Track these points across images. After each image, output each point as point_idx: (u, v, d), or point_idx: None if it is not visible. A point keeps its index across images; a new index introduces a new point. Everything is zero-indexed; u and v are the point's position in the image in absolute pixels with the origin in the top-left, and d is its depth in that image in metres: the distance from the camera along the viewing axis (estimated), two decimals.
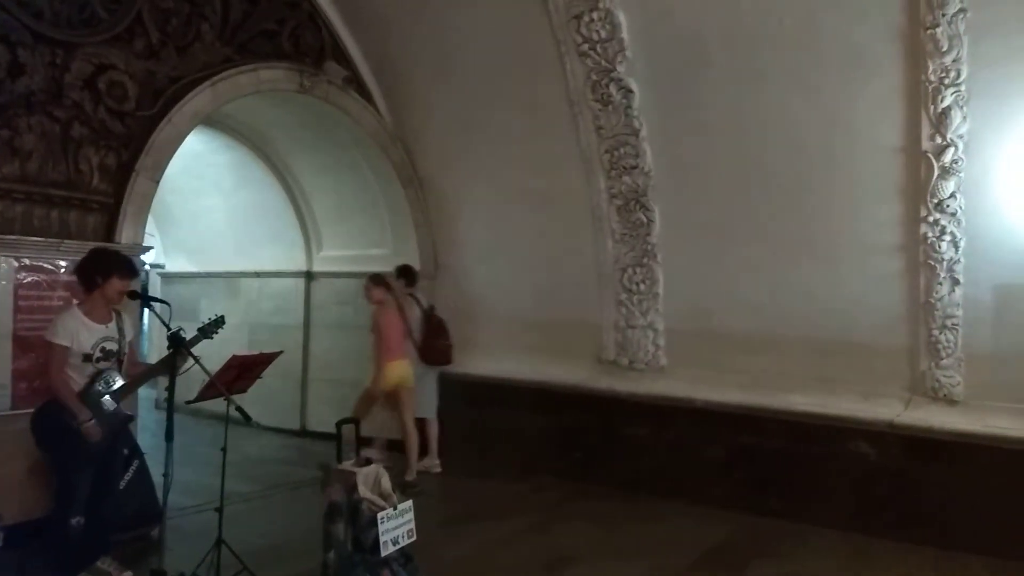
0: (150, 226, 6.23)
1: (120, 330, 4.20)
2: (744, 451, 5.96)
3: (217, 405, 4.05)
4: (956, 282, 5.22)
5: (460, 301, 7.88)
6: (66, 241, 5.09)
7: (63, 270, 5.04)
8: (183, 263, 10.19)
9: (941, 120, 5.03)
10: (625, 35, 6.00)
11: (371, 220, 8.35)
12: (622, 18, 5.96)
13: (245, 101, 6.61)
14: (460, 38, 6.89)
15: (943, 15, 4.80)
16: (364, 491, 4.01)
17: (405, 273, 7.18)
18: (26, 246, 4.91)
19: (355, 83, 7.44)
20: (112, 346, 4.13)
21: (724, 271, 6.21)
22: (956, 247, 5.18)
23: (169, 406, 3.82)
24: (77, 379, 4.00)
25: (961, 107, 4.97)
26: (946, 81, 4.94)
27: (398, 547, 3.94)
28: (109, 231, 5.39)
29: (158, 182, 5.76)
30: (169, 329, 3.89)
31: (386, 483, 4.16)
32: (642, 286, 6.64)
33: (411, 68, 7.42)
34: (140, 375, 4.29)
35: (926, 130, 5.11)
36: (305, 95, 6.93)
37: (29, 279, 4.93)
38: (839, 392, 5.65)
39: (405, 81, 7.56)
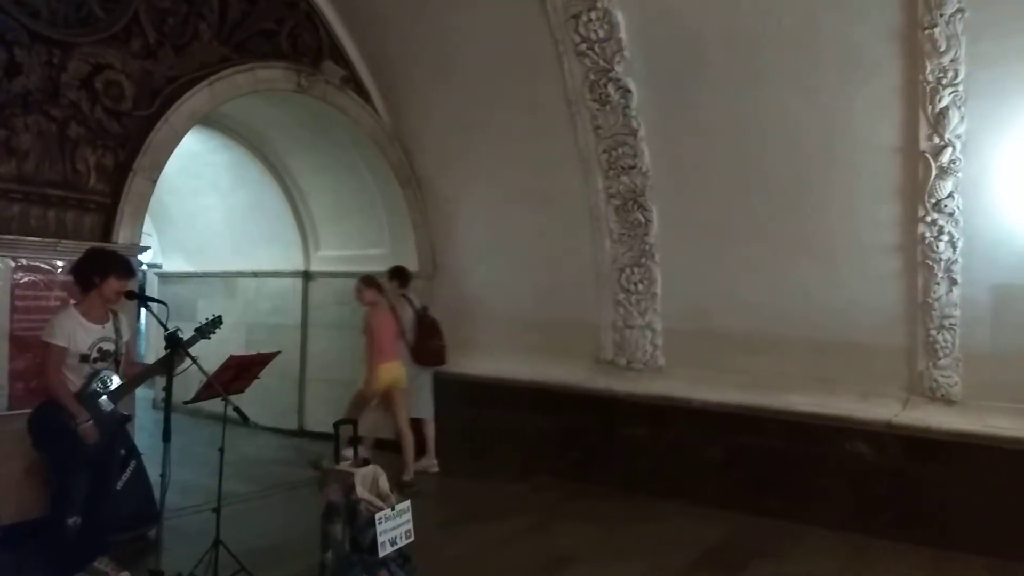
0: (147, 226, 6.22)
1: (117, 330, 4.20)
2: (743, 451, 5.97)
3: (215, 405, 4.04)
4: (954, 282, 5.22)
5: (458, 301, 7.88)
6: (63, 241, 5.08)
7: (60, 270, 5.03)
8: (180, 263, 10.18)
9: (939, 120, 5.03)
10: (623, 35, 6.00)
11: (369, 220, 8.34)
12: (620, 18, 5.96)
13: (243, 101, 6.60)
14: (458, 38, 6.89)
15: (941, 15, 4.81)
16: (362, 491, 4.00)
17: (398, 274, 7.17)
18: (23, 246, 4.90)
19: (353, 83, 7.43)
20: (109, 346, 4.12)
21: (722, 271, 6.21)
22: (954, 247, 5.19)
23: (166, 406, 3.81)
24: (74, 379, 3.99)
25: (959, 107, 4.97)
26: (944, 81, 4.95)
27: (396, 547, 3.94)
28: (106, 231, 5.38)
29: (155, 182, 5.75)
30: (166, 329, 3.88)
31: (384, 483, 4.16)
32: (640, 286, 6.64)
33: (409, 68, 7.42)
34: (137, 375, 4.28)
35: (924, 130, 5.11)
36: (303, 95, 6.92)
37: (26, 279, 4.92)
38: (837, 392, 5.65)
39: (403, 81, 7.56)
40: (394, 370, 6.52)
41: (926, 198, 5.19)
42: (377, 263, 7.53)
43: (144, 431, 6.27)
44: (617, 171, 6.47)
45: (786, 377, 5.89)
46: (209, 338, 4.12)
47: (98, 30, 5.35)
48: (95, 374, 4.03)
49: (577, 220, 6.85)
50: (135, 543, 4.76)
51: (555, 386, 6.99)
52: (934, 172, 5.13)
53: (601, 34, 6.04)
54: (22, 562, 4.22)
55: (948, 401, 5.30)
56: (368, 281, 6.63)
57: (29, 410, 4.14)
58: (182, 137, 5.99)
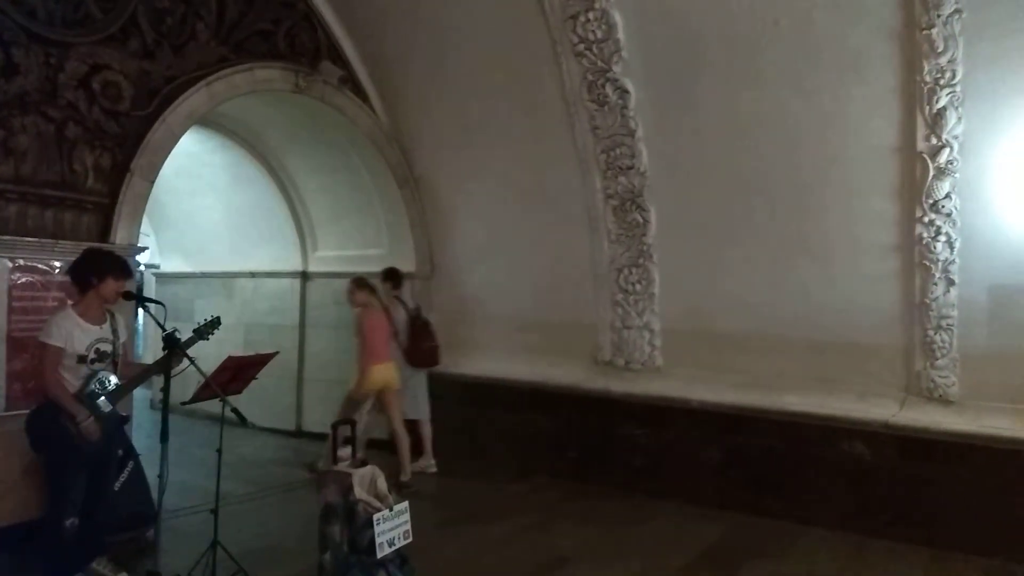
0: (145, 226, 6.21)
1: (114, 331, 4.19)
2: (741, 451, 5.97)
3: (213, 406, 4.03)
4: (951, 282, 5.23)
5: (456, 301, 7.89)
6: (61, 241, 5.07)
7: (58, 271, 5.02)
8: (178, 263, 10.17)
9: (936, 121, 5.04)
10: (621, 35, 6.00)
11: (367, 220, 8.34)
12: (618, 18, 5.96)
13: (240, 101, 6.59)
14: (456, 38, 6.89)
15: (939, 16, 4.81)
16: (360, 492, 4.01)
17: (391, 276, 7.18)
18: (20, 246, 4.89)
19: (351, 83, 7.43)
20: (107, 347, 4.12)
21: (720, 271, 6.22)
22: (951, 247, 5.19)
23: (164, 407, 3.81)
24: (71, 380, 3.99)
25: (956, 108, 4.97)
26: (941, 82, 4.95)
27: (394, 548, 3.94)
28: (104, 231, 5.37)
29: (153, 182, 5.74)
30: (164, 330, 3.87)
31: (382, 484, 4.16)
32: (638, 286, 6.64)
33: (407, 68, 7.42)
34: (136, 376, 4.27)
35: (921, 131, 5.11)
36: (301, 95, 6.92)
37: (23, 280, 4.91)
38: (835, 392, 5.66)
39: (401, 81, 7.56)
40: (387, 371, 6.52)
41: (924, 199, 5.20)
42: (375, 263, 7.53)
43: (142, 432, 6.28)
44: (615, 171, 6.48)
45: (784, 377, 5.90)
46: (207, 339, 4.12)
47: (96, 30, 5.34)
48: (93, 375, 4.02)
49: (575, 220, 6.85)
50: (133, 544, 4.76)
51: (553, 386, 6.99)
52: (932, 173, 5.13)
53: (599, 34, 6.04)
54: (20, 563, 4.21)
55: (945, 401, 5.31)
56: (359, 283, 6.63)
57: (27, 411, 4.13)
58: (180, 137, 5.98)
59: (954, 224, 5.16)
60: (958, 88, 4.93)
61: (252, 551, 4.45)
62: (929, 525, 5.11)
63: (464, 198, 7.80)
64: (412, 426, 6.90)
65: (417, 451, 6.95)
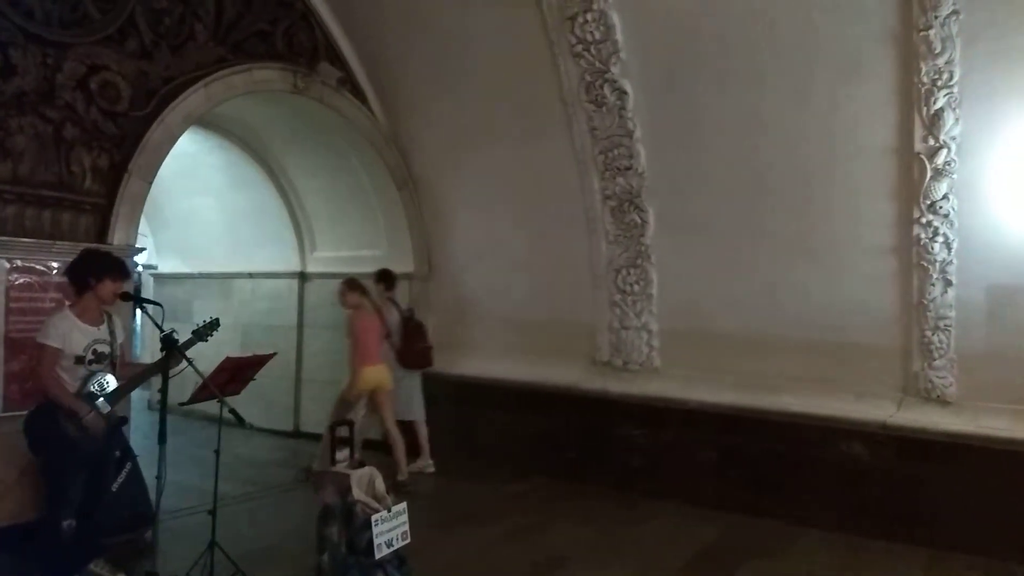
0: (143, 227, 6.22)
1: (111, 332, 4.18)
2: (738, 451, 5.98)
3: (210, 407, 4.04)
4: (949, 283, 5.23)
5: (454, 302, 7.89)
6: (58, 242, 5.06)
7: (55, 271, 5.01)
8: (176, 264, 10.16)
9: (934, 122, 5.04)
10: (619, 36, 6.01)
11: (365, 221, 8.34)
12: (616, 19, 5.96)
13: (239, 102, 6.59)
14: (454, 39, 6.88)
15: (936, 17, 4.82)
16: (358, 493, 4.01)
17: (384, 277, 7.18)
18: (18, 247, 4.89)
19: (349, 84, 7.43)
20: (104, 348, 4.11)
21: (718, 272, 6.22)
22: (949, 248, 5.20)
23: (162, 408, 3.80)
24: (69, 381, 3.98)
25: (954, 109, 4.98)
26: (939, 83, 4.96)
27: (392, 549, 3.94)
28: (102, 232, 5.37)
29: (151, 183, 5.74)
30: (162, 331, 3.87)
31: (380, 485, 4.16)
32: (636, 287, 6.64)
33: (405, 69, 7.42)
34: (134, 377, 4.26)
35: (919, 132, 5.12)
36: (299, 96, 6.92)
37: (21, 280, 4.91)
38: (832, 393, 5.66)
39: (399, 82, 7.56)
40: (379, 373, 6.52)
41: (921, 199, 5.20)
42: (373, 264, 7.52)
43: (139, 433, 6.26)
44: (613, 172, 6.48)
45: (781, 378, 5.90)
46: (206, 341, 4.12)
47: (93, 31, 5.34)
48: (91, 376, 4.02)
49: (573, 221, 6.85)
50: (131, 545, 4.74)
51: (551, 387, 6.99)
52: (929, 173, 5.14)
53: (597, 35, 6.04)
54: (18, 565, 4.21)
55: (943, 402, 5.31)
56: (351, 284, 6.62)
57: (25, 412, 4.13)
58: (178, 138, 5.98)
59: (951, 225, 5.17)
60: (955, 89, 4.94)
61: (250, 552, 4.45)
62: (927, 525, 5.12)
63: (462, 199, 7.80)
64: (407, 427, 6.90)
65: (414, 452, 6.95)
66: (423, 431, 7.12)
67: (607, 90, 6.20)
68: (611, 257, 6.73)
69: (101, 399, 4.00)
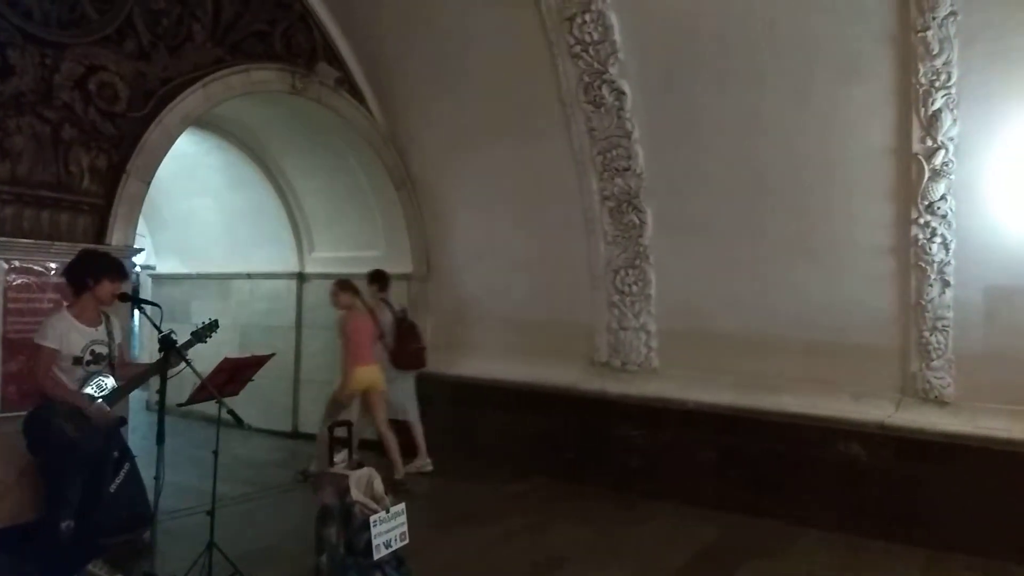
0: (141, 227, 6.21)
1: (109, 333, 4.18)
2: (737, 452, 5.98)
3: (209, 407, 4.03)
4: (947, 284, 5.24)
5: (453, 302, 7.89)
6: (56, 243, 5.06)
7: (53, 272, 5.01)
8: (174, 265, 10.15)
9: (932, 122, 5.05)
10: (617, 37, 6.01)
11: (363, 221, 8.34)
12: (614, 20, 5.96)
13: (237, 102, 6.59)
14: (453, 39, 6.88)
15: (934, 18, 4.82)
16: (356, 494, 4.01)
17: (377, 278, 7.18)
18: (16, 248, 4.89)
19: (347, 84, 7.43)
20: (102, 349, 4.10)
21: (716, 272, 6.22)
22: (947, 249, 5.21)
23: (160, 409, 3.80)
24: (67, 382, 3.97)
25: (952, 110, 4.99)
26: (937, 84, 4.96)
27: (391, 550, 3.94)
28: (100, 233, 5.36)
29: (149, 183, 5.74)
30: (160, 332, 3.87)
31: (378, 486, 4.17)
32: (634, 288, 6.65)
33: (403, 70, 7.42)
34: (133, 378, 4.25)
35: (917, 132, 5.13)
36: (297, 96, 6.92)
37: (19, 281, 4.90)
38: (831, 393, 5.67)
39: (398, 83, 7.56)
40: (371, 373, 6.52)
41: (919, 200, 5.21)
42: (372, 264, 7.51)
43: (138, 433, 6.26)
44: (611, 173, 6.48)
45: (780, 378, 5.90)
46: (205, 342, 4.12)
47: (91, 31, 5.33)
48: (89, 377, 4.01)
49: (572, 222, 6.85)
50: (129, 546, 4.74)
51: (550, 387, 6.99)
52: (927, 174, 5.14)
53: (595, 36, 6.05)
54: (17, 565, 4.20)
55: (941, 402, 5.32)
56: (343, 285, 6.62)
57: (23, 413, 4.12)
58: (176, 139, 5.98)
59: (949, 226, 5.18)
60: (953, 90, 4.95)
61: (248, 553, 4.44)
62: (925, 526, 5.12)
63: (461, 199, 7.80)
64: (401, 427, 6.90)
65: (410, 452, 6.94)
66: (418, 430, 7.11)
67: (605, 91, 6.20)
68: (609, 258, 6.73)
69: (100, 400, 4.00)
